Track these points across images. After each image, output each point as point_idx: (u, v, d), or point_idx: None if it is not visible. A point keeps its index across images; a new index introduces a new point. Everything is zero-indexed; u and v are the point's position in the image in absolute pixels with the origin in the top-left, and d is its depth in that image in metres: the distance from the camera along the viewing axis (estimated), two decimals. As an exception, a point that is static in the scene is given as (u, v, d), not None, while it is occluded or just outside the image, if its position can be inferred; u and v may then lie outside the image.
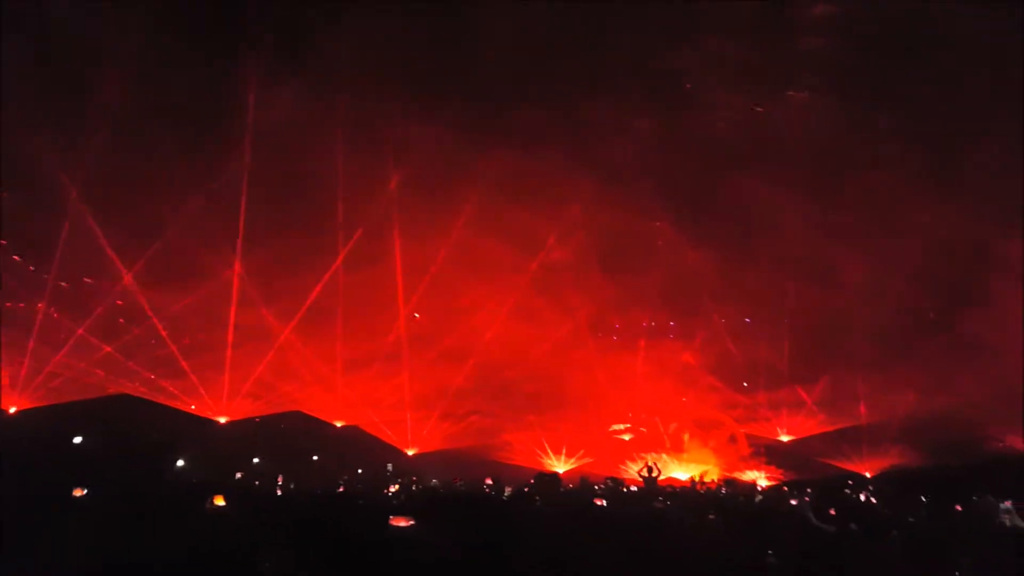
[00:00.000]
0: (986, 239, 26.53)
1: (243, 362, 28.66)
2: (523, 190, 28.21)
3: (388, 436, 31.10)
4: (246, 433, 28.51)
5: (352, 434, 30.83)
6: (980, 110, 24.63)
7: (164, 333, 27.67)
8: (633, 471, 27.87)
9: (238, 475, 22.06)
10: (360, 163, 27.69)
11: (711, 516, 15.87)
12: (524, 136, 27.04)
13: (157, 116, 25.07)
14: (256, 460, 28.49)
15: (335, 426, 30.76)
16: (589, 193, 28.75)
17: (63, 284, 26.57)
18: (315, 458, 30.02)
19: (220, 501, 13.80)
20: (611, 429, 33.14)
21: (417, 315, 30.79)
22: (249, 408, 29.25)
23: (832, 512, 18.54)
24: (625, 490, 24.70)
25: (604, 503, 17.79)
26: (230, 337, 27.67)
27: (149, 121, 24.92)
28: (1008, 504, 14.41)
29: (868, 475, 29.56)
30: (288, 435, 29.55)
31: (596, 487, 25.06)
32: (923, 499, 22.42)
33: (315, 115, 26.58)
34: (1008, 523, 13.99)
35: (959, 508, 16.73)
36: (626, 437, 33.17)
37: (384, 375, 30.06)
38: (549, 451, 31.90)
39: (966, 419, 28.71)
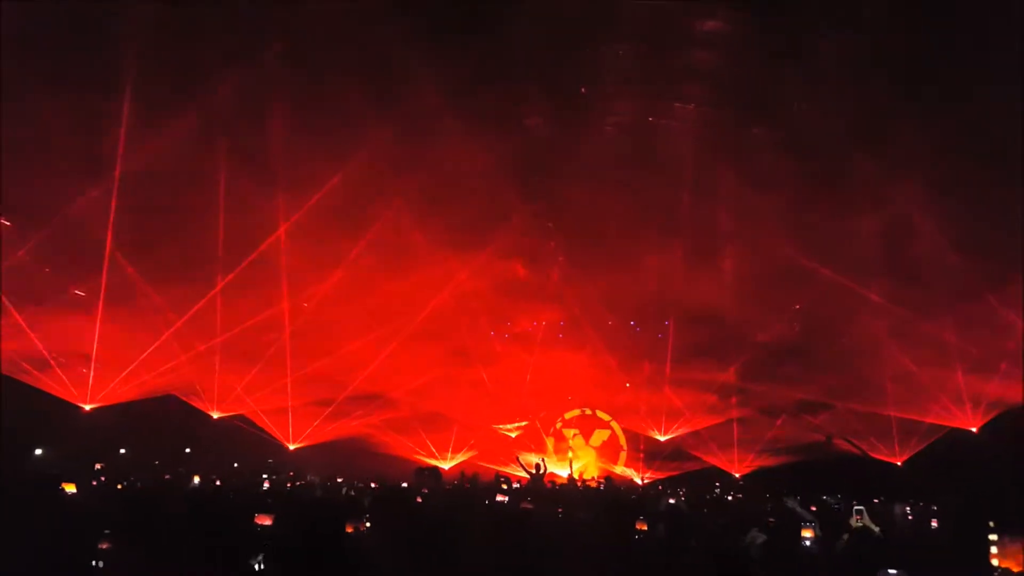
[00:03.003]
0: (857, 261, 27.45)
1: (115, 349, 27.07)
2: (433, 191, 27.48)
3: (270, 429, 30.21)
4: (113, 422, 26.94)
5: (230, 426, 29.76)
6: (862, 130, 25.20)
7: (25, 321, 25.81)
8: (528, 463, 28.06)
9: (98, 465, 20.98)
10: (255, 175, 25.92)
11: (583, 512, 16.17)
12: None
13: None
14: (123, 451, 27.19)
15: (212, 417, 29.58)
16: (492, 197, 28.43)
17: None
18: (188, 450, 28.90)
19: (71, 488, 13.11)
20: (498, 427, 33.35)
21: (306, 304, 29.77)
22: (118, 395, 27.69)
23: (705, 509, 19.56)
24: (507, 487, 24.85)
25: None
26: (98, 322, 26.02)
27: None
28: (860, 506, 15.33)
29: (737, 475, 30.97)
30: (159, 425, 28.16)
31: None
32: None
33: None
34: (860, 523, 14.89)
35: (814, 508, 17.69)
36: (513, 435, 33.46)
37: (267, 372, 28.89)
38: (433, 448, 31.84)
39: (830, 425, 30.55)
